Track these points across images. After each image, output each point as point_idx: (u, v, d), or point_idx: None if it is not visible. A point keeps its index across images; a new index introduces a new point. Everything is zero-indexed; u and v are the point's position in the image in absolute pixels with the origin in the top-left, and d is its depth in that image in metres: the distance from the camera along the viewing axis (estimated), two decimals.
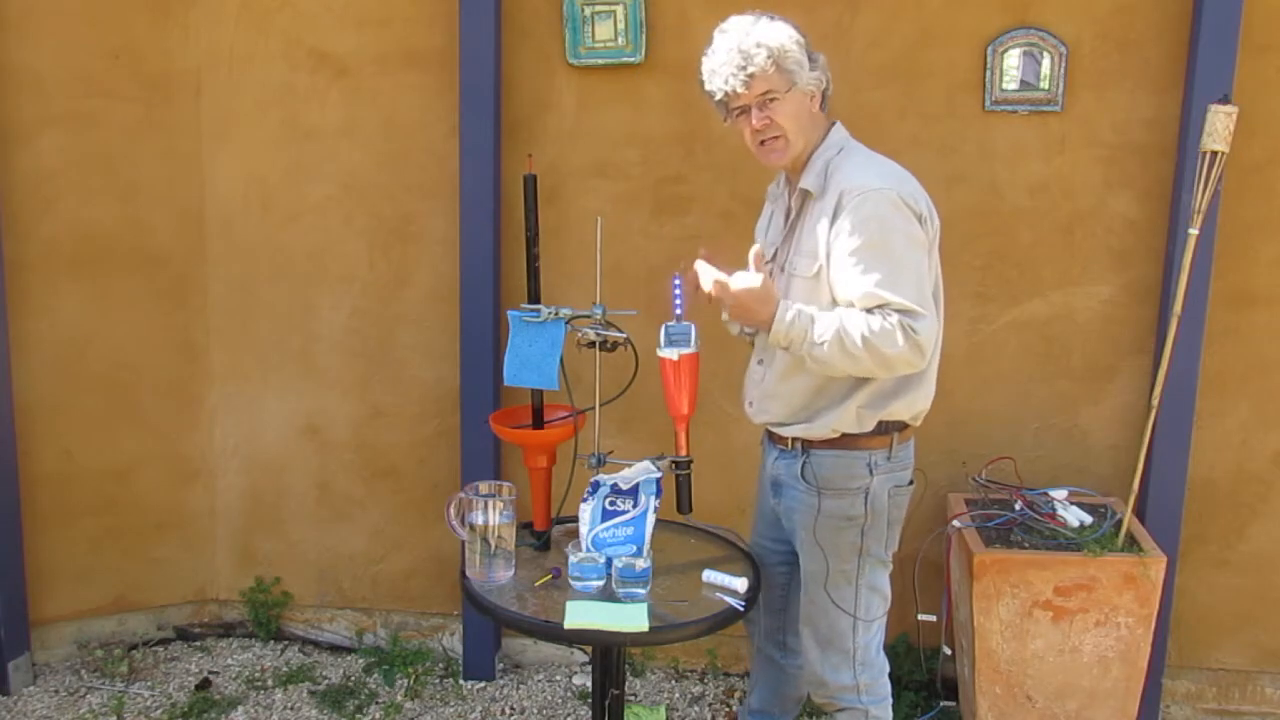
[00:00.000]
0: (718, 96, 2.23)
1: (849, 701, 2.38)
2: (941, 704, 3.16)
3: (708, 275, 2.26)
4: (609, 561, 2.28)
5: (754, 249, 2.23)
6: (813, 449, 2.30)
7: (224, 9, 3.31)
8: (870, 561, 2.32)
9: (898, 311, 2.09)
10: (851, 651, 2.35)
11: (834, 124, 2.30)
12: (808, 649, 2.40)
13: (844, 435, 2.26)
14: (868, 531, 2.29)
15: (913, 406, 2.28)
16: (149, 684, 3.36)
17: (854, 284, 2.11)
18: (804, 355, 2.15)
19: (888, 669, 2.43)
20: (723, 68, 2.19)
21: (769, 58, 2.16)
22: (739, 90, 2.18)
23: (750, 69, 2.16)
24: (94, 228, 3.31)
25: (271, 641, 3.63)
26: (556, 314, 2.44)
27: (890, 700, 2.43)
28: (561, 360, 2.45)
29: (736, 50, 2.17)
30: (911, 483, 2.37)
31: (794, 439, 2.32)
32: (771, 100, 2.19)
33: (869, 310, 2.11)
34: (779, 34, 2.18)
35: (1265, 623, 3.16)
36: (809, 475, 2.30)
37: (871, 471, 2.27)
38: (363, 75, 3.28)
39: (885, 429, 2.27)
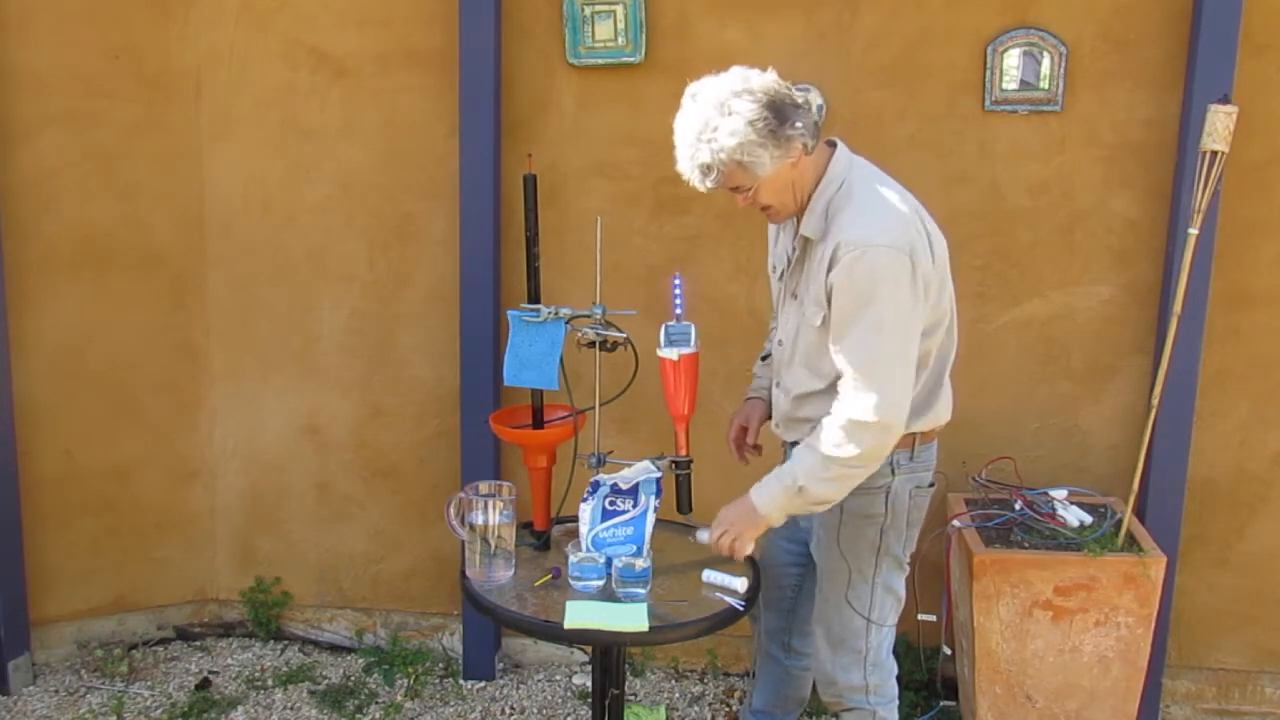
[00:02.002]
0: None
1: (857, 702, 2.39)
2: (941, 704, 3.16)
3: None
4: (609, 561, 2.28)
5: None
6: None
7: (224, 9, 3.31)
8: (888, 561, 2.32)
9: (853, 389, 2.08)
10: (863, 652, 2.35)
11: (834, 149, 2.22)
12: (819, 648, 2.40)
13: None
14: (887, 530, 2.30)
15: (936, 420, 2.30)
16: (149, 684, 3.36)
17: (836, 355, 2.12)
18: (808, 508, 2.18)
19: (896, 671, 2.44)
20: (686, 167, 2.13)
21: (726, 164, 2.08)
22: (710, 189, 2.14)
23: (710, 180, 2.11)
24: (94, 228, 3.31)
25: (271, 641, 3.63)
26: (556, 314, 2.44)
27: (897, 702, 2.44)
28: (561, 360, 2.45)
29: (693, 161, 2.10)
30: (933, 484, 2.37)
31: None
32: (746, 189, 2.15)
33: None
34: (736, 129, 2.05)
35: (1265, 623, 3.16)
36: None
37: (894, 471, 2.27)
38: (363, 75, 3.28)
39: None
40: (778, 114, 2.07)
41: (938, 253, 2.18)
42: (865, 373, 2.07)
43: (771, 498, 2.18)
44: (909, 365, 2.11)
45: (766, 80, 2.11)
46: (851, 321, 2.08)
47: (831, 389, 2.18)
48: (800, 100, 2.14)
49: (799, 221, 2.23)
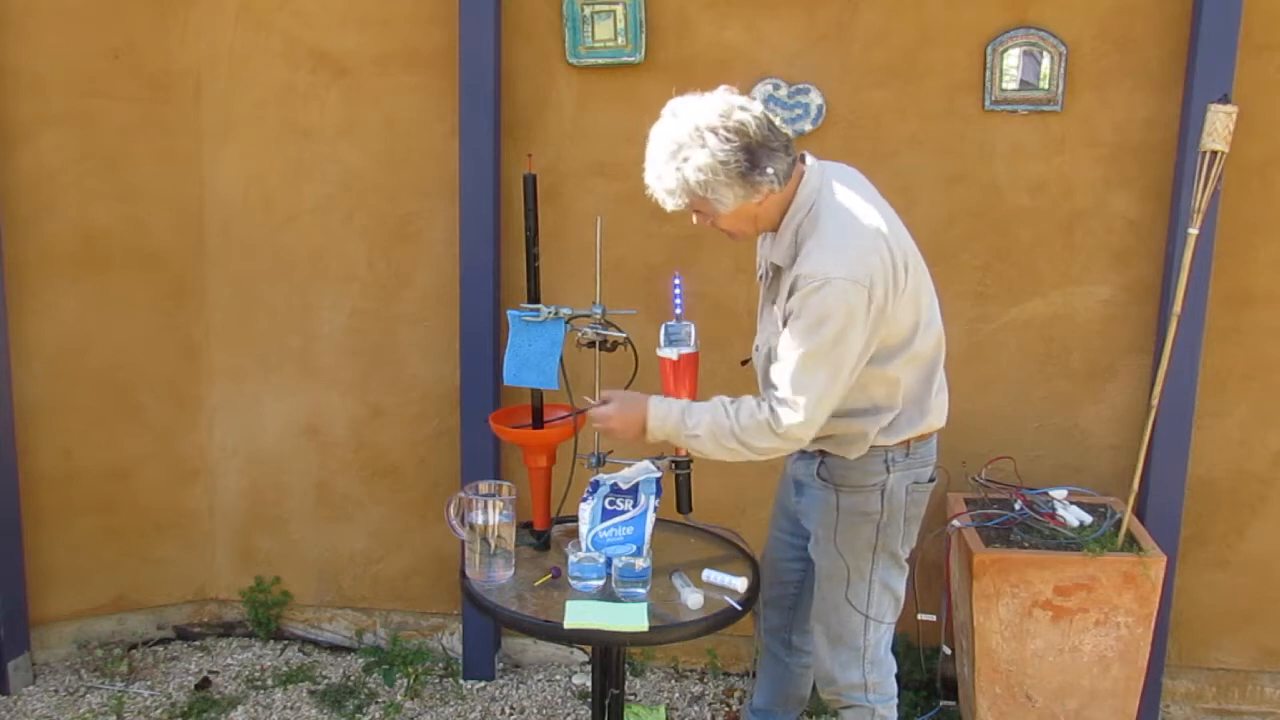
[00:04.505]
0: None
1: (856, 699, 2.40)
2: (941, 704, 3.16)
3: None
4: (609, 561, 2.28)
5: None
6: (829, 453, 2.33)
7: (224, 9, 3.31)
8: (885, 558, 2.33)
9: (777, 402, 2.12)
10: (862, 649, 2.36)
11: (804, 169, 2.18)
12: (819, 645, 2.41)
13: None
14: (884, 528, 2.30)
15: (929, 426, 2.32)
16: (149, 684, 3.36)
17: (774, 366, 2.15)
18: (686, 446, 2.22)
19: (895, 670, 2.45)
20: (653, 182, 2.12)
21: (691, 192, 2.08)
22: (672, 210, 2.14)
23: (673, 202, 2.11)
24: (94, 228, 3.31)
25: (271, 641, 3.63)
26: (556, 313, 2.44)
27: (896, 701, 2.45)
28: (561, 360, 2.46)
29: (660, 181, 2.10)
30: (933, 480, 2.37)
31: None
32: (707, 215, 2.16)
33: (759, 395, 2.20)
34: (704, 164, 2.04)
35: (1265, 622, 3.17)
36: (824, 474, 2.32)
37: (889, 468, 2.28)
38: (363, 75, 3.28)
39: None
40: (751, 158, 2.07)
41: (912, 267, 2.17)
42: (795, 392, 2.10)
43: (664, 427, 2.21)
44: (835, 396, 2.13)
45: (747, 117, 2.07)
46: (796, 344, 2.09)
47: None
48: (778, 142, 2.10)
49: (769, 244, 2.25)
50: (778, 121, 2.15)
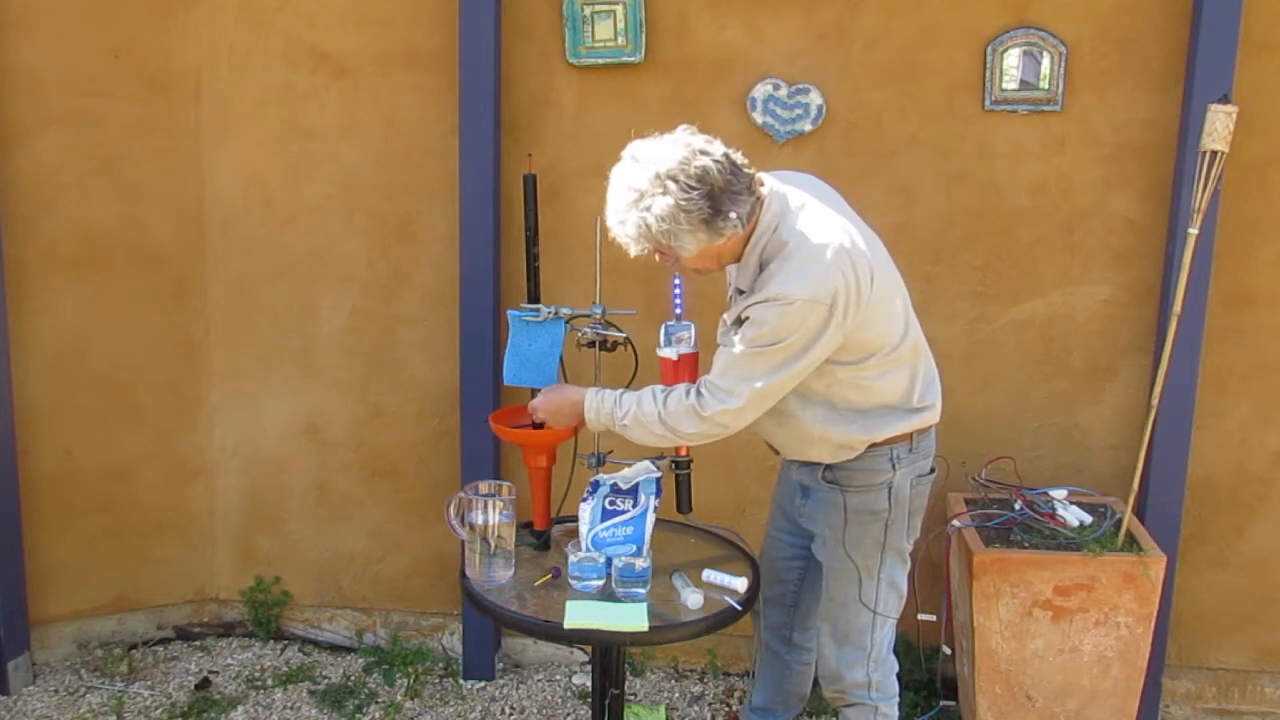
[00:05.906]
0: None
1: (860, 697, 2.41)
2: (941, 704, 3.16)
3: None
4: (609, 561, 2.28)
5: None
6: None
7: (224, 9, 3.31)
8: (891, 555, 2.33)
9: (708, 388, 2.14)
10: (868, 648, 2.37)
11: (764, 197, 2.14)
12: (824, 644, 2.42)
13: None
14: (891, 525, 2.31)
15: (927, 421, 2.32)
16: (149, 684, 3.36)
17: (721, 353, 2.18)
18: (621, 434, 2.25)
19: (897, 669, 2.46)
20: (615, 226, 2.10)
21: (649, 242, 2.07)
22: (635, 255, 2.13)
23: (636, 248, 2.10)
24: (94, 228, 3.31)
25: (271, 641, 3.63)
26: (556, 314, 2.45)
27: (897, 699, 2.46)
28: (561, 360, 2.46)
29: (622, 226, 2.08)
30: (933, 470, 2.38)
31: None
32: (670, 257, 2.15)
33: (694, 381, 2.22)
34: (665, 213, 2.02)
35: (1265, 622, 3.17)
36: (830, 476, 2.32)
37: (894, 466, 2.28)
38: (363, 75, 3.28)
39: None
40: (714, 204, 2.04)
41: (878, 275, 2.14)
42: (729, 380, 2.13)
43: (598, 418, 2.27)
44: (771, 394, 2.15)
45: (709, 163, 2.04)
46: (744, 343, 2.11)
47: (786, 414, 2.25)
48: (741, 184, 2.07)
49: (735, 269, 2.24)
50: (739, 159, 2.10)
